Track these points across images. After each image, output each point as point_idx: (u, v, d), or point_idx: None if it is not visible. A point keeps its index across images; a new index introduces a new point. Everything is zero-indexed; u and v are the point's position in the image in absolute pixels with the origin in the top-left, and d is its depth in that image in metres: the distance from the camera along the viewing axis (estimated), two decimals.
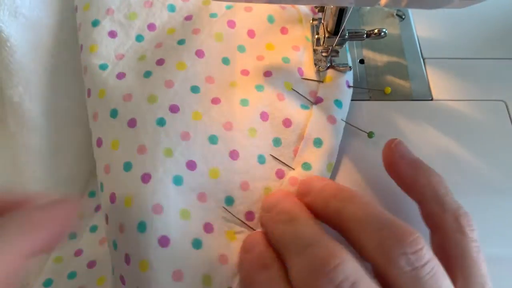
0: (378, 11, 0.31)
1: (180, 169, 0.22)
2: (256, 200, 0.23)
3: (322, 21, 0.26)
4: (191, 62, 0.25)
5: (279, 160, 0.24)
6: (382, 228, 0.18)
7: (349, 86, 0.26)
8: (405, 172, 0.22)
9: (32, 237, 0.16)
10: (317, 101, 0.26)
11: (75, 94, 0.28)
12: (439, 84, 0.28)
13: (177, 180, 0.22)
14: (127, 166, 0.22)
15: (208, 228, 0.22)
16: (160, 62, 0.25)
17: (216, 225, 0.22)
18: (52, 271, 0.26)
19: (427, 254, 0.17)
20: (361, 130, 0.25)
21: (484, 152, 0.26)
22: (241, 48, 0.27)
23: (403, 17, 0.30)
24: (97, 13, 0.27)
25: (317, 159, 0.24)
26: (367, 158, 0.24)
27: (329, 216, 0.20)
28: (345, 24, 0.24)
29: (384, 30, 0.25)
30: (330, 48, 0.26)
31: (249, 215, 0.23)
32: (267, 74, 0.26)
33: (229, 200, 0.23)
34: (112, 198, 0.22)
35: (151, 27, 0.27)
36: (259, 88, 0.25)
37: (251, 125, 0.24)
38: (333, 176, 0.24)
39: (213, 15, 0.27)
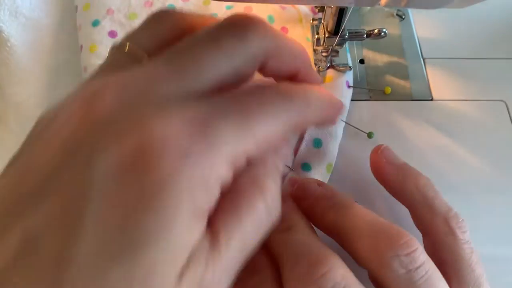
0: (378, 11, 0.31)
1: None
2: None
3: (322, 21, 0.26)
4: None
5: None
6: (375, 233, 0.18)
7: (349, 87, 0.26)
8: (393, 177, 0.22)
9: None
10: None
11: None
12: (439, 84, 0.28)
13: None
14: None
15: None
16: None
17: None
18: None
19: (421, 256, 0.17)
20: (360, 130, 0.25)
21: (484, 152, 0.26)
22: None
23: (403, 17, 0.30)
24: (97, 13, 0.27)
25: (317, 160, 0.24)
26: (367, 158, 0.24)
27: (325, 226, 0.20)
28: (345, 24, 0.24)
29: (384, 30, 0.25)
30: (330, 48, 0.26)
31: None
32: None
33: None
34: None
35: None
36: None
37: None
38: (332, 177, 0.24)
39: (213, 15, 0.27)
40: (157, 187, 0.12)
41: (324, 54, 0.27)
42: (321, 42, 0.26)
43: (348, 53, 0.28)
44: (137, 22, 0.27)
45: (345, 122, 0.25)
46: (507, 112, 0.27)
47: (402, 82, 0.28)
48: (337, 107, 0.20)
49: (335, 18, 0.23)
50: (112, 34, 0.27)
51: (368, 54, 0.29)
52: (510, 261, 0.23)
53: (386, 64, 0.29)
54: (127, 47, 0.18)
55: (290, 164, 0.24)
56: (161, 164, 0.12)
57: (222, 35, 0.16)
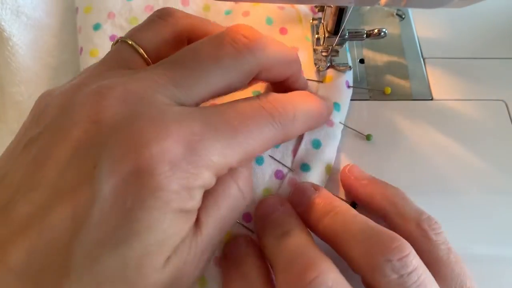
0: (378, 10, 0.31)
1: None
2: (255, 202, 0.23)
3: (322, 21, 0.26)
4: None
5: (278, 161, 0.24)
6: (368, 238, 0.18)
7: (349, 87, 0.26)
8: (362, 191, 0.22)
9: None
10: None
11: None
12: (439, 84, 0.28)
13: None
14: None
15: None
16: None
17: None
18: None
19: (414, 261, 0.17)
20: (359, 132, 0.25)
21: (484, 152, 0.26)
22: None
23: (403, 16, 0.30)
24: (98, 17, 0.27)
25: (316, 161, 0.24)
26: (365, 161, 0.25)
27: (321, 231, 0.20)
28: (345, 24, 0.24)
29: (384, 30, 0.25)
30: (330, 48, 0.26)
31: (247, 216, 0.23)
32: None
33: None
34: None
35: None
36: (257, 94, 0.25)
37: None
38: (331, 178, 0.24)
39: None
40: (149, 193, 0.15)
41: (324, 53, 0.27)
42: (321, 42, 0.26)
43: (348, 53, 0.28)
44: None
45: (343, 124, 0.25)
46: (507, 112, 0.27)
47: (402, 82, 0.28)
48: (325, 114, 0.23)
49: (335, 18, 0.23)
50: (113, 38, 0.27)
51: (368, 54, 0.29)
52: (510, 261, 0.23)
53: (386, 64, 0.29)
54: (129, 45, 0.19)
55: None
56: (155, 175, 0.15)
57: (220, 51, 0.18)
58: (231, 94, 0.24)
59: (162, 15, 0.21)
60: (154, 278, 0.15)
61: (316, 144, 0.24)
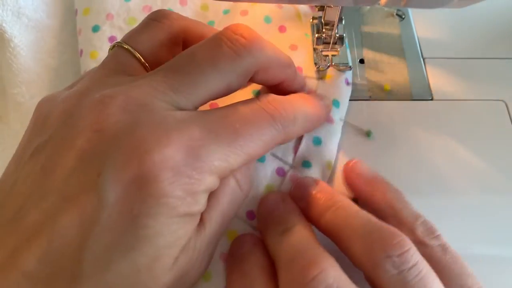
0: (378, 10, 0.31)
1: None
2: (257, 199, 0.23)
3: (322, 20, 0.26)
4: None
5: (280, 159, 0.24)
6: (368, 233, 0.18)
7: (348, 83, 0.26)
8: (363, 191, 0.22)
9: None
10: None
11: None
12: (439, 84, 0.28)
13: None
14: None
15: None
16: None
17: None
18: None
19: (414, 256, 0.17)
20: (359, 128, 0.25)
21: (484, 152, 0.26)
22: None
23: (403, 16, 0.30)
24: (97, 18, 0.27)
25: (317, 158, 0.24)
26: (365, 157, 0.25)
27: (323, 226, 0.20)
28: (344, 23, 0.24)
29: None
30: (331, 48, 0.26)
31: (250, 214, 0.23)
32: None
33: None
34: None
35: None
36: (257, 93, 0.26)
37: None
38: (331, 176, 0.24)
39: (210, 22, 0.28)
40: (154, 199, 0.15)
41: (324, 53, 0.27)
42: (321, 42, 0.26)
43: (348, 53, 0.28)
44: None
45: (344, 121, 0.25)
46: (507, 112, 0.27)
47: (402, 82, 0.28)
48: (323, 116, 0.23)
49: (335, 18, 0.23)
50: (112, 39, 0.27)
51: (368, 54, 0.29)
52: (510, 261, 0.23)
53: (386, 64, 0.29)
54: (126, 49, 0.19)
55: None
56: (158, 182, 0.15)
57: (217, 53, 0.18)
58: (230, 95, 0.24)
59: (157, 18, 0.21)
60: (164, 279, 0.16)
61: (317, 141, 0.24)
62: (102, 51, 0.26)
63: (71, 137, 0.16)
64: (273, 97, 0.19)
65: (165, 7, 0.28)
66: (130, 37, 0.20)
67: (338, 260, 0.18)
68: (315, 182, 0.22)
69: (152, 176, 0.15)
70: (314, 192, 0.21)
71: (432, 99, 0.27)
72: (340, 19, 0.25)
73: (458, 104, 0.27)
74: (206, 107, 0.24)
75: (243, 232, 0.22)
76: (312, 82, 0.26)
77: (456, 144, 0.26)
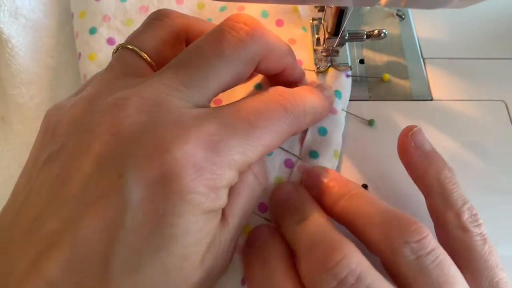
0: (378, 11, 0.31)
1: None
2: (268, 192, 0.23)
3: (322, 21, 0.26)
4: None
5: (286, 151, 0.24)
6: (386, 221, 0.18)
7: (347, 76, 0.27)
8: (417, 163, 0.21)
9: None
10: None
11: None
12: (439, 84, 0.28)
13: None
14: None
15: None
16: None
17: None
18: None
19: (432, 242, 0.18)
20: (361, 118, 0.26)
21: (484, 152, 0.26)
22: None
23: (403, 17, 0.30)
24: (93, 21, 0.27)
25: (324, 147, 0.24)
26: (369, 147, 0.25)
27: (337, 214, 0.20)
28: (345, 25, 0.24)
29: (384, 31, 0.25)
30: (331, 48, 0.26)
31: (262, 206, 0.23)
32: None
33: None
34: None
35: None
36: (258, 87, 0.26)
37: None
38: (338, 164, 0.25)
39: (208, 20, 0.28)
40: (179, 197, 0.15)
41: (324, 54, 0.27)
42: (321, 43, 0.26)
43: (348, 53, 0.28)
44: (133, 29, 0.27)
45: (346, 111, 0.26)
46: (506, 112, 0.27)
47: (402, 82, 0.28)
48: (328, 107, 0.23)
49: (335, 19, 0.23)
50: (110, 41, 0.27)
51: (368, 54, 0.29)
52: (510, 261, 0.23)
53: (386, 64, 0.29)
54: (131, 50, 0.19)
55: None
56: (181, 179, 0.15)
57: (222, 43, 0.18)
58: (232, 90, 0.24)
59: (158, 17, 0.21)
60: (194, 278, 0.16)
61: (323, 131, 0.25)
62: (101, 53, 0.26)
63: (86, 142, 0.16)
64: (282, 89, 0.20)
65: (162, 7, 0.28)
66: (134, 37, 0.20)
67: None
68: (326, 170, 0.22)
69: (174, 173, 0.15)
70: (326, 180, 0.21)
71: (432, 99, 0.27)
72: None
73: (458, 104, 0.27)
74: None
75: (255, 224, 0.22)
76: (312, 75, 0.26)
77: (456, 144, 0.26)
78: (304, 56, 0.27)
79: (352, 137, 0.26)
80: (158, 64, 0.20)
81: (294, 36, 0.28)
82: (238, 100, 0.18)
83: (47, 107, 0.27)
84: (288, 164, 0.24)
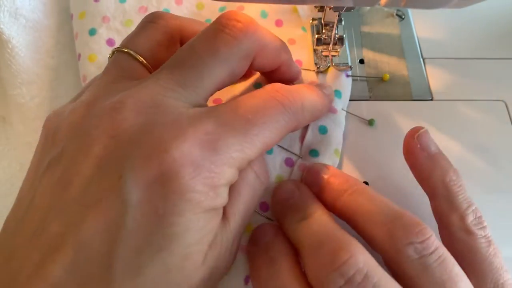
0: (378, 11, 0.31)
1: None
2: (269, 191, 0.23)
3: (322, 21, 0.26)
4: None
5: (287, 150, 0.24)
6: (390, 220, 0.18)
7: (347, 75, 0.27)
8: (422, 165, 0.21)
9: None
10: None
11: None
12: (439, 84, 0.28)
13: None
14: None
15: None
16: None
17: None
18: None
19: (435, 242, 0.18)
20: (361, 118, 0.26)
21: (484, 152, 0.26)
22: None
23: (403, 17, 0.30)
24: (93, 22, 0.27)
25: (324, 146, 0.24)
26: (369, 146, 0.25)
27: (339, 210, 0.20)
28: (343, 24, 0.24)
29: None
30: (331, 48, 0.26)
31: (264, 205, 0.23)
32: None
33: None
34: None
35: None
36: (258, 87, 0.26)
37: None
38: (339, 163, 0.25)
39: (207, 21, 0.28)
40: (178, 196, 0.15)
41: (324, 54, 0.27)
42: (321, 42, 0.26)
43: (348, 53, 0.28)
44: (133, 29, 0.27)
45: (346, 111, 0.26)
46: (507, 112, 0.27)
47: (402, 82, 0.28)
48: (327, 104, 0.23)
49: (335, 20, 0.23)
50: (110, 42, 0.27)
51: (368, 54, 0.29)
52: (510, 261, 0.23)
53: (386, 64, 0.29)
54: (127, 53, 0.19)
55: None
56: (180, 178, 0.15)
57: (215, 41, 0.18)
58: (231, 89, 0.24)
59: (152, 19, 0.21)
60: (196, 278, 0.16)
61: (323, 130, 0.25)
62: (101, 54, 0.26)
63: (86, 146, 0.16)
64: (280, 85, 0.20)
65: (161, 7, 0.28)
66: (129, 41, 0.21)
67: None
68: (326, 167, 0.22)
69: (173, 173, 0.15)
70: (327, 176, 0.21)
71: (432, 99, 0.27)
72: (340, 20, 0.25)
73: (458, 104, 0.27)
74: (209, 103, 0.25)
75: (257, 224, 0.22)
76: (312, 75, 0.26)
77: (456, 144, 0.26)
78: (304, 56, 0.27)
79: (352, 137, 0.26)
80: (153, 66, 0.20)
81: (294, 36, 0.28)
82: (235, 98, 0.19)
83: (48, 107, 0.27)
84: (289, 163, 0.24)
